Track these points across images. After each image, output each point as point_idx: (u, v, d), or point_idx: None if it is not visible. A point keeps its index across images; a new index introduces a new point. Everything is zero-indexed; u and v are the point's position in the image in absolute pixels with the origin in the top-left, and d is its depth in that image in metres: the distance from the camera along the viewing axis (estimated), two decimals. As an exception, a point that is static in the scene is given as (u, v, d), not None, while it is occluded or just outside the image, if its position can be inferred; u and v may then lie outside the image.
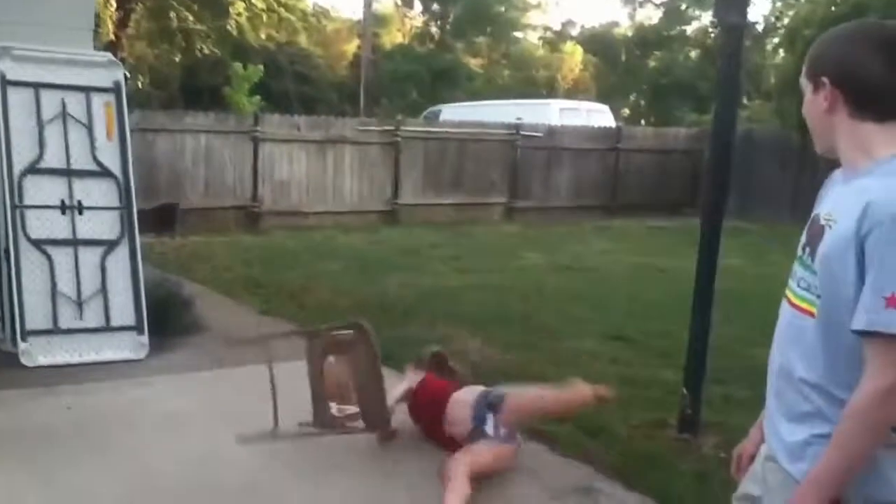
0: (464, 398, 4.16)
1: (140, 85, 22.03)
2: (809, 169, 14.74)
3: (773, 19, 28.62)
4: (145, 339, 5.96)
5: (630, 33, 33.02)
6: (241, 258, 10.13)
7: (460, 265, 10.18)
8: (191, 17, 23.34)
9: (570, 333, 6.85)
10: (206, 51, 23.28)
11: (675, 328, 6.49)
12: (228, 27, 22.91)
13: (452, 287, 8.75)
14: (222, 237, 11.71)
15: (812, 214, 1.90)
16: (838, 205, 1.79)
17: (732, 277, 8.21)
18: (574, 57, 33.81)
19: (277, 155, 13.46)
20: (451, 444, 4.02)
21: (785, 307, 1.92)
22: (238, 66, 19.54)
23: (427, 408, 4.32)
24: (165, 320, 6.33)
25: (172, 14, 22.83)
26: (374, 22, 30.86)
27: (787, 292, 1.91)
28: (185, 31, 23.29)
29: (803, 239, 1.89)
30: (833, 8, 15.66)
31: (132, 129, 6.50)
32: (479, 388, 4.22)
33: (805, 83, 1.87)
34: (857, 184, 1.76)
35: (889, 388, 1.66)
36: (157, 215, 11.36)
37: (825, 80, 1.81)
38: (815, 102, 1.84)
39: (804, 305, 1.84)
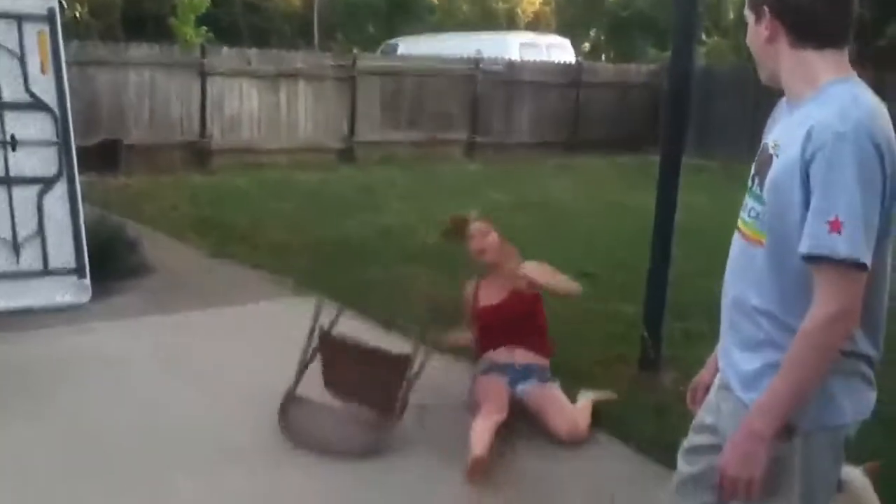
0: None
1: (77, 15, 20.75)
2: (767, 105, 14.76)
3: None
4: (87, 282, 5.74)
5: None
6: (190, 198, 9.77)
7: (420, 204, 9.93)
8: None
9: (531, 269, 6.69)
10: None
11: (636, 263, 6.55)
12: None
13: (412, 226, 8.55)
14: (169, 176, 11.28)
15: (761, 144, 1.91)
16: (784, 133, 1.81)
17: (692, 213, 8.24)
18: (534, -11, 33.20)
19: (227, 90, 12.83)
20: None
21: (736, 238, 1.94)
22: (184, -6, 18.56)
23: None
24: (108, 263, 6.11)
25: None
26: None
27: (739, 223, 1.94)
28: None
29: (753, 169, 1.91)
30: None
31: (69, 62, 6.07)
32: None
33: (748, 13, 1.90)
34: (801, 111, 1.78)
35: (837, 313, 1.70)
36: (98, 153, 10.85)
37: (766, 9, 1.83)
38: (757, 32, 1.87)
39: (754, 235, 1.86)
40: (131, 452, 3.65)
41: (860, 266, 1.68)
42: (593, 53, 30.17)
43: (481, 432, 3.59)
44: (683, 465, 2.13)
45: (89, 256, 5.74)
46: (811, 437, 1.82)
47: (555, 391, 4.01)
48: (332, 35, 27.23)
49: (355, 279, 6.13)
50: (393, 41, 21.01)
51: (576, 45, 21.77)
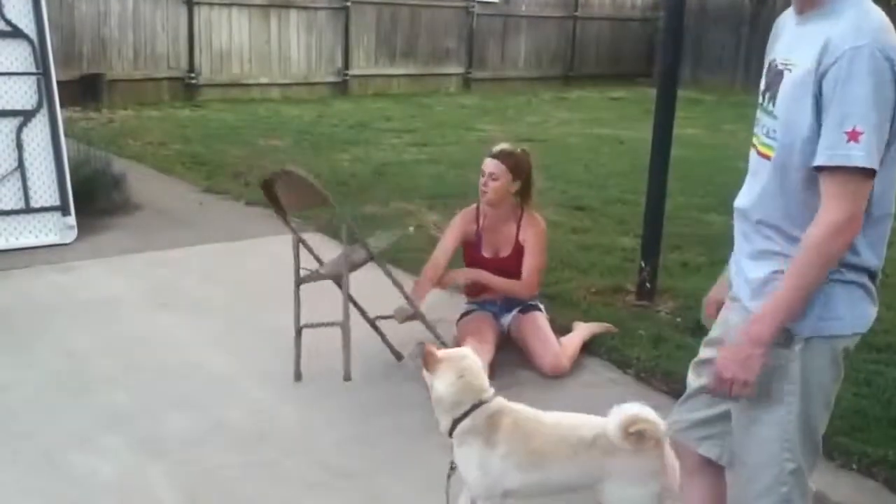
0: None
1: None
2: (761, 37, 14.50)
3: None
4: (72, 219, 5.60)
5: None
6: (178, 133, 9.50)
7: (416, 138, 9.76)
8: None
9: (529, 203, 6.62)
10: None
11: (633, 196, 6.55)
12: None
13: (408, 161, 8.49)
14: (155, 111, 10.97)
15: (767, 60, 1.96)
16: (795, 47, 1.85)
17: (688, 146, 8.22)
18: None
19: (216, 21, 12.35)
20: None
21: (752, 155, 1.99)
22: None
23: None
24: (93, 199, 5.93)
25: None
26: None
27: (754, 140, 1.98)
28: None
29: (762, 85, 1.95)
30: None
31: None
32: None
33: None
34: (812, 26, 1.81)
35: (845, 220, 1.74)
36: (79, 87, 10.54)
37: None
38: None
39: (766, 150, 1.91)
40: (119, 389, 3.55)
41: (872, 173, 1.74)
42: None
43: None
44: (692, 378, 2.18)
45: (73, 193, 5.57)
46: (810, 344, 1.86)
47: (539, 321, 3.96)
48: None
49: (352, 216, 5.96)
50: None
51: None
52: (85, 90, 10.69)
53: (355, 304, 3.76)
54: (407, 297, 3.69)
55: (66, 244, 5.44)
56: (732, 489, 2.17)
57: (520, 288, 3.95)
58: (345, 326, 3.58)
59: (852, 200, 1.74)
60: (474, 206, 4.03)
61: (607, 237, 5.85)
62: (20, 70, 5.40)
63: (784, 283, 1.81)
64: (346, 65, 13.66)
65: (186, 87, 12.14)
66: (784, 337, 1.85)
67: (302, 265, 3.70)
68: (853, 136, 1.70)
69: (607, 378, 3.83)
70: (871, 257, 1.87)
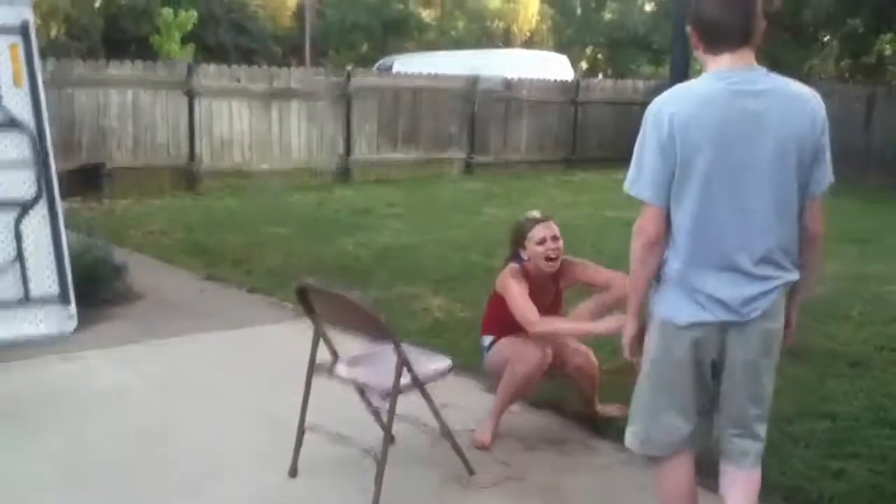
0: None
1: (54, 35, 20.08)
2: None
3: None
4: (73, 309, 5.50)
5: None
6: (179, 221, 9.43)
7: (419, 223, 9.70)
8: None
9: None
10: None
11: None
12: None
13: (411, 245, 8.42)
14: (157, 200, 10.92)
15: None
16: None
17: None
18: (530, 9, 33.09)
19: (216, 109, 12.40)
20: None
21: None
22: (168, 11, 18.20)
23: None
24: (94, 289, 5.82)
25: None
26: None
27: None
28: None
29: None
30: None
31: (46, 82, 5.77)
32: None
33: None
34: None
35: (636, 232, 2.47)
36: (79, 177, 10.48)
37: (689, 27, 2.44)
38: (693, 43, 2.46)
39: None
40: (125, 481, 3.45)
41: (643, 201, 2.41)
42: (590, 71, 30.09)
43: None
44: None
45: (74, 283, 5.48)
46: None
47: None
48: (324, 55, 26.96)
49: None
50: (388, 59, 20.77)
51: (573, 63, 21.62)
52: (85, 180, 10.63)
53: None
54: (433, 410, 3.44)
55: (66, 334, 5.32)
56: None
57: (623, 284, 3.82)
58: (382, 458, 3.17)
59: (640, 218, 2.44)
60: (514, 267, 3.83)
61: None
62: (18, 160, 5.33)
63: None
64: (348, 151, 13.73)
65: (187, 176, 12.12)
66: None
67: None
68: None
69: (618, 459, 3.66)
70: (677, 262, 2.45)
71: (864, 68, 16.78)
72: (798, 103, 2.39)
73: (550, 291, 3.91)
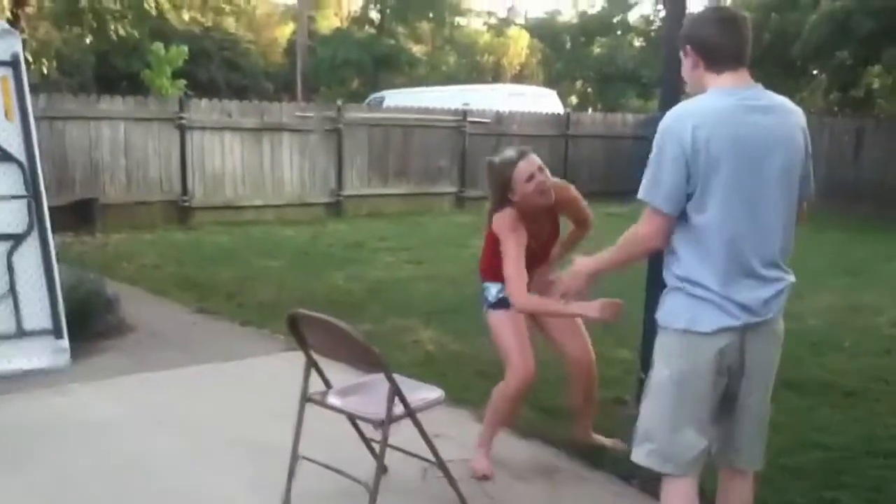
0: None
1: (45, 71, 19.90)
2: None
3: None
4: (65, 343, 5.47)
5: (574, 20, 32.76)
6: (172, 256, 9.41)
7: (410, 256, 9.71)
8: None
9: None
10: (121, 32, 20.79)
11: (632, 310, 6.33)
12: (146, 6, 20.30)
13: (403, 279, 8.41)
14: (149, 234, 10.91)
15: None
16: None
17: None
18: (520, 43, 33.45)
19: (208, 144, 12.45)
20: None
21: None
22: (159, 46, 18.26)
23: None
24: (87, 322, 5.82)
25: None
26: (309, 5, 29.93)
27: None
28: (96, 11, 20.66)
29: None
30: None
31: (37, 117, 5.78)
32: None
33: (681, 54, 2.63)
34: None
35: (636, 231, 2.61)
36: (72, 212, 10.50)
37: (688, 47, 2.59)
38: (685, 64, 2.62)
39: None
40: None
41: (654, 208, 2.52)
42: (580, 105, 30.34)
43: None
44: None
45: (66, 316, 5.46)
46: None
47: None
48: (315, 90, 27.10)
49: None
50: (379, 94, 20.95)
51: (562, 98, 21.80)
52: (78, 215, 10.64)
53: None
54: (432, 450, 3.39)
55: (59, 367, 5.29)
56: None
57: (589, 227, 4.05)
58: (375, 488, 3.14)
59: (645, 222, 2.57)
60: (508, 211, 3.71)
61: (606, 349, 5.62)
62: (10, 193, 5.34)
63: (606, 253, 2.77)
64: (340, 185, 13.78)
65: (180, 210, 12.13)
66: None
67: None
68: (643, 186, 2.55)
69: (612, 492, 3.69)
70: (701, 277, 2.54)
71: (853, 101, 16.97)
72: (793, 117, 2.56)
73: (547, 220, 3.88)
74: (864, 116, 16.19)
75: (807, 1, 14.20)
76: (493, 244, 3.76)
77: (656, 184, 2.47)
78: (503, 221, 3.69)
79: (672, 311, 2.58)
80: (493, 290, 3.85)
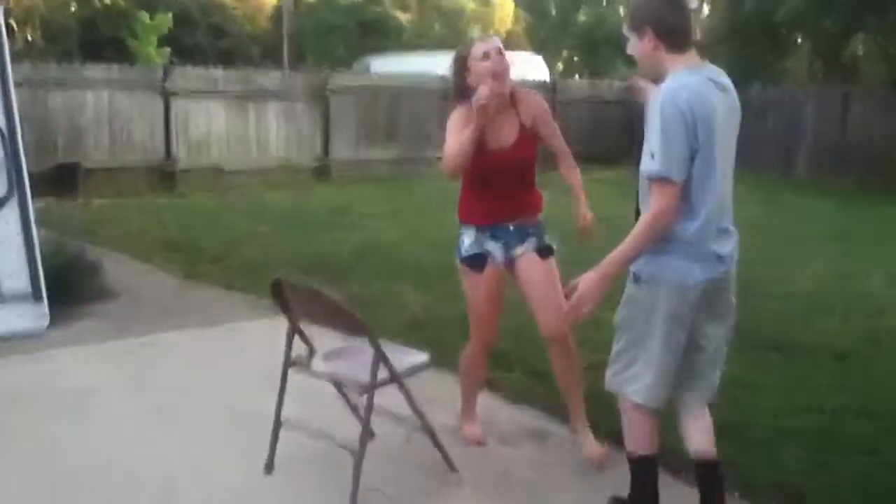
0: None
1: (29, 37, 19.75)
2: (741, 118, 14.86)
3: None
4: (44, 307, 5.37)
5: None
6: (156, 220, 9.32)
7: (398, 221, 9.63)
8: None
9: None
10: (106, 0, 21.07)
11: (620, 273, 6.31)
12: None
13: (391, 242, 8.35)
14: (133, 199, 10.78)
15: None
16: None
17: None
18: (505, 10, 33.12)
19: (193, 110, 12.34)
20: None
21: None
22: (144, 14, 18.05)
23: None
24: (68, 287, 5.72)
25: None
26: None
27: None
28: None
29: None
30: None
31: (19, 83, 5.64)
32: None
33: (630, 33, 2.76)
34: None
35: (656, 212, 2.65)
36: (56, 176, 10.40)
37: (649, 30, 2.69)
38: (641, 45, 2.73)
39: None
40: (95, 487, 3.34)
41: (667, 180, 2.61)
42: (566, 72, 30.11)
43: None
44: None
45: (47, 281, 5.37)
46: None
47: (546, 270, 3.59)
48: (301, 57, 26.79)
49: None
50: (365, 60, 20.71)
51: (549, 64, 21.61)
52: (61, 179, 10.55)
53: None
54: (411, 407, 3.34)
55: (38, 332, 5.20)
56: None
57: (573, 166, 3.80)
58: (360, 453, 3.08)
59: (661, 197, 2.63)
60: (460, 109, 3.44)
61: (596, 312, 5.66)
62: (-12, 158, 5.22)
63: (621, 247, 2.72)
64: (327, 150, 13.64)
65: (164, 175, 12.01)
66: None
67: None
68: (652, 157, 2.63)
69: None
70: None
71: (838, 69, 16.89)
72: (736, 95, 2.79)
73: (513, 125, 3.49)
74: (849, 84, 16.12)
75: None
76: (465, 175, 3.51)
77: (669, 157, 2.59)
78: (452, 117, 3.43)
79: (657, 266, 2.72)
80: (465, 239, 3.58)
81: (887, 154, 13.98)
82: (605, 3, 30.85)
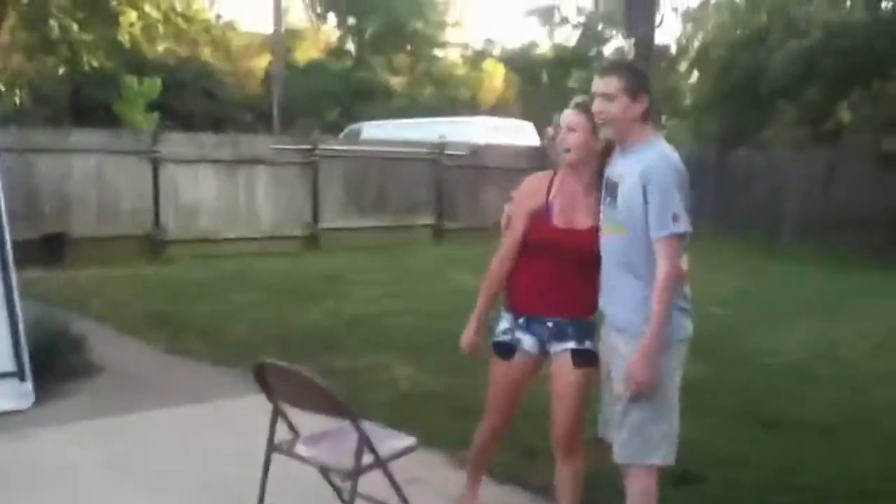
0: None
1: (17, 101, 19.80)
2: (727, 183, 15.14)
3: (684, 41, 29.32)
4: (29, 386, 5.26)
5: (549, 54, 33.03)
6: (143, 291, 9.27)
7: (388, 290, 9.63)
8: (75, 27, 20.61)
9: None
10: (94, 64, 20.86)
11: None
12: (120, 38, 20.44)
13: (380, 313, 8.31)
14: (121, 269, 10.67)
15: (604, 180, 3.11)
16: (625, 168, 2.99)
17: None
18: (496, 75, 33.68)
19: (182, 177, 12.34)
20: None
21: (606, 238, 3.07)
22: (131, 79, 18.17)
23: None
24: (52, 363, 5.64)
25: (53, 22, 20.07)
26: (286, 36, 29.97)
27: (606, 229, 3.07)
28: (70, 42, 20.72)
29: (604, 193, 3.09)
30: (738, 31, 15.94)
31: (8, 150, 5.66)
32: None
33: (620, 93, 2.94)
34: (635, 155, 2.97)
35: (675, 269, 2.87)
36: (41, 246, 10.34)
37: (646, 98, 2.97)
38: (632, 108, 2.95)
39: (617, 231, 3.00)
40: None
41: (686, 237, 2.90)
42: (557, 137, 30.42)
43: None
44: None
45: (30, 357, 5.29)
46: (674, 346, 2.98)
47: (574, 383, 3.25)
48: (292, 121, 27.06)
49: (323, 371, 5.74)
50: (356, 126, 20.94)
51: (539, 130, 21.89)
52: (47, 249, 10.47)
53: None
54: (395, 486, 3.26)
55: (22, 411, 5.12)
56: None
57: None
58: None
59: (678, 256, 2.89)
60: (547, 173, 3.32)
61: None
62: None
63: (657, 315, 2.85)
64: (316, 218, 13.70)
65: (152, 245, 11.98)
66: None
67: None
68: (676, 217, 2.87)
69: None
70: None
71: (822, 135, 17.16)
72: None
73: (588, 211, 3.21)
74: (833, 150, 16.39)
75: (775, 39, 14.42)
76: (522, 247, 3.32)
77: (684, 217, 2.87)
78: (526, 181, 3.35)
79: (676, 325, 2.94)
80: (503, 323, 3.38)
81: (871, 220, 14.15)
82: (594, 67, 31.37)
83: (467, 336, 3.42)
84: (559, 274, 3.23)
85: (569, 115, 3.19)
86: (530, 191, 3.32)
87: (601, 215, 3.09)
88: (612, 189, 3.01)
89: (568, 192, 3.23)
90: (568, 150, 3.17)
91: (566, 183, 3.24)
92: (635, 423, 2.97)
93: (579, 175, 3.21)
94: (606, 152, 3.15)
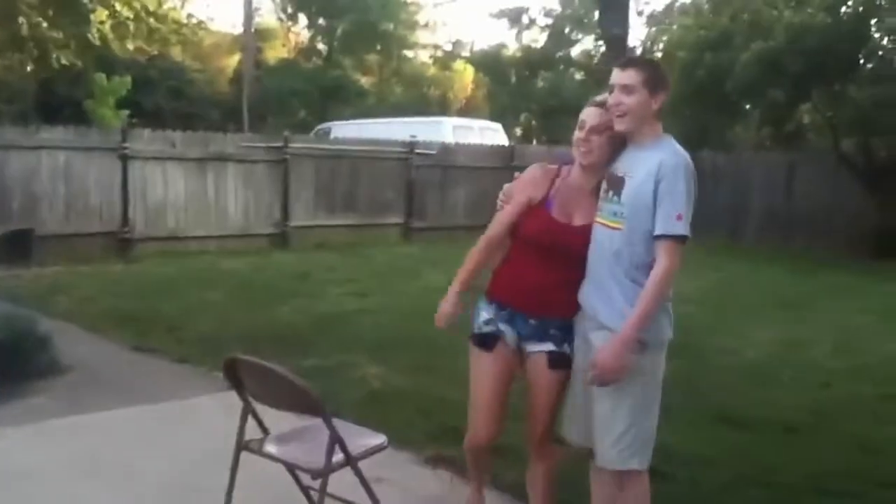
0: None
1: None
2: (702, 182, 15.24)
3: (649, 43, 29.59)
4: (-7, 386, 5.14)
5: (518, 55, 33.17)
6: (110, 289, 9.19)
7: (357, 289, 9.62)
8: (45, 24, 20.13)
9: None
10: (63, 61, 20.31)
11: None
12: (89, 36, 19.90)
13: (350, 312, 8.31)
14: (87, 266, 10.59)
15: (608, 173, 3.05)
16: (632, 165, 2.96)
17: None
18: (465, 76, 33.79)
19: (150, 174, 12.26)
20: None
21: (598, 230, 3.03)
22: (101, 76, 18.01)
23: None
24: (16, 362, 5.54)
25: (22, 19, 19.57)
26: (256, 36, 29.86)
27: (600, 220, 3.03)
28: (38, 39, 20.20)
29: (605, 186, 3.04)
30: (702, 32, 16.11)
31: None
32: None
33: (640, 86, 2.92)
34: (646, 151, 2.95)
35: (673, 269, 2.84)
36: (7, 243, 10.23)
37: (664, 94, 2.97)
38: (650, 103, 2.94)
39: (614, 224, 2.96)
40: None
41: (686, 239, 2.85)
42: (524, 137, 30.61)
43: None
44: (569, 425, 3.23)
45: (-5, 356, 5.23)
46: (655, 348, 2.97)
47: (550, 385, 3.21)
48: (262, 120, 26.95)
49: (291, 369, 5.72)
50: (326, 125, 20.89)
51: (507, 130, 21.98)
52: (13, 246, 10.34)
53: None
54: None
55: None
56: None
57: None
58: None
59: (678, 257, 2.84)
60: (552, 166, 3.26)
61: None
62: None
63: (635, 311, 2.82)
64: (286, 216, 13.66)
65: (120, 242, 11.88)
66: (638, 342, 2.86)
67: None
68: (679, 218, 2.83)
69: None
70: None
71: (785, 136, 17.39)
72: None
73: (586, 210, 3.14)
74: (795, 151, 16.63)
75: (739, 41, 14.59)
76: (514, 240, 3.25)
77: (689, 218, 2.84)
78: (526, 171, 3.28)
79: (661, 326, 2.95)
80: (481, 312, 3.30)
81: (831, 220, 14.40)
82: (561, 69, 31.58)
83: (443, 308, 3.26)
84: (546, 270, 3.16)
85: (590, 114, 3.09)
86: (533, 179, 3.24)
87: (598, 207, 3.03)
88: (617, 183, 2.94)
89: (572, 190, 3.17)
90: (590, 152, 3.09)
91: (573, 180, 3.18)
92: (621, 429, 2.93)
93: (590, 177, 3.14)
94: (617, 151, 3.08)
